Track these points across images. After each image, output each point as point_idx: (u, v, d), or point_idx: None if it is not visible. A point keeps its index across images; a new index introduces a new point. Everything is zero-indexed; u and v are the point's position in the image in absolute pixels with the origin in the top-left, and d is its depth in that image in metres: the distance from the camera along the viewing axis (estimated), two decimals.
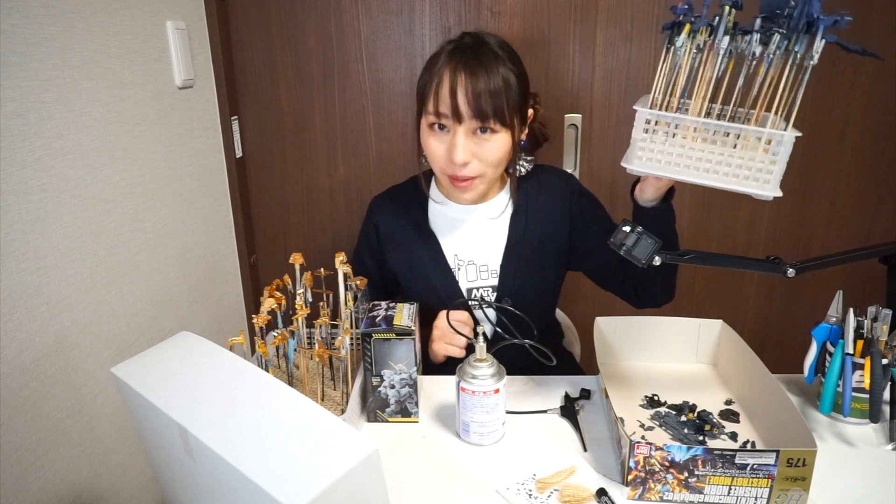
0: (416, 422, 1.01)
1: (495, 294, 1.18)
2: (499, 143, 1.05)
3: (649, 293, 1.15)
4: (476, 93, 1.01)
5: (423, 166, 1.19)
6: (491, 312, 1.17)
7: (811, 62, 0.79)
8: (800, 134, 0.82)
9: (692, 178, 0.86)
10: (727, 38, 0.83)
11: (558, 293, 1.28)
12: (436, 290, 1.18)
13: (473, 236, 1.19)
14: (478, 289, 1.19)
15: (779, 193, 0.84)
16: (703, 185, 0.86)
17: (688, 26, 0.84)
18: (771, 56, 0.82)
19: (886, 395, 0.96)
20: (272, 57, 1.62)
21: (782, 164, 0.83)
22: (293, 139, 1.68)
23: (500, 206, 1.19)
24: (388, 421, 1.00)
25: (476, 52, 1.04)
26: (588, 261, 1.21)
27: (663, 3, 1.56)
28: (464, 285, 1.18)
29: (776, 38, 0.80)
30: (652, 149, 0.87)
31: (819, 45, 0.78)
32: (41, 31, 0.94)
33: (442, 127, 1.06)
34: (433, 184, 1.23)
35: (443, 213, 1.21)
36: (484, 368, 0.91)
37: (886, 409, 0.97)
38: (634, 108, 0.87)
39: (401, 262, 1.22)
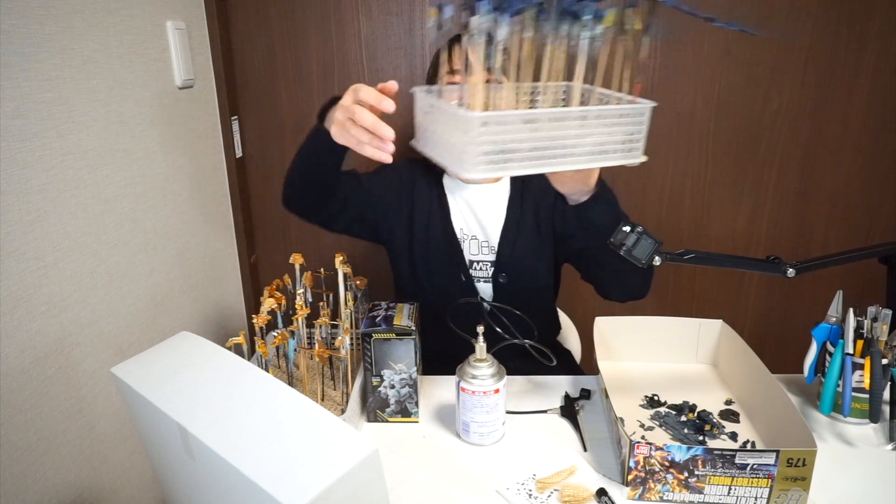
0: (416, 422, 1.01)
1: (493, 269, 1.22)
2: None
3: (605, 287, 1.14)
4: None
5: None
6: (488, 302, 1.19)
7: (587, 38, 0.75)
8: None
9: (534, 169, 0.78)
10: (487, 18, 0.72)
11: (556, 281, 1.29)
12: (444, 256, 1.22)
13: (478, 213, 1.24)
14: (478, 262, 1.23)
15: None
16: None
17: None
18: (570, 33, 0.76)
19: (886, 395, 0.96)
20: (272, 57, 1.62)
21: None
22: (293, 139, 1.67)
23: (505, 183, 1.25)
24: (388, 421, 1.00)
25: None
26: (561, 246, 1.24)
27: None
28: (466, 257, 1.24)
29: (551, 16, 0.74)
30: (487, 150, 0.74)
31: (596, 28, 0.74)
32: (41, 31, 0.94)
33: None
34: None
35: (454, 190, 1.26)
36: (484, 368, 0.91)
37: (886, 409, 0.97)
38: (459, 115, 0.73)
39: (415, 223, 1.25)
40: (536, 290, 1.26)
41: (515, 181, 1.24)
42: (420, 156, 1.15)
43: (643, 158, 0.84)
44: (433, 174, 1.28)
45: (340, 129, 0.87)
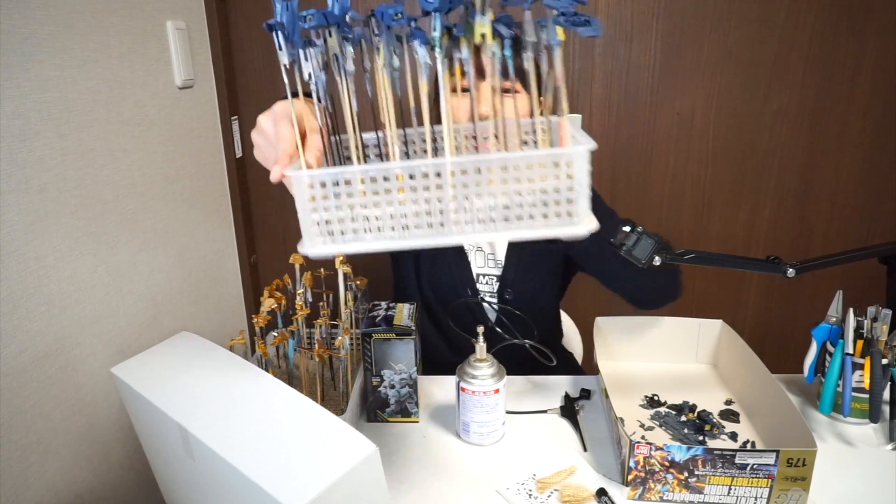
0: (416, 422, 1.01)
1: (499, 284, 1.20)
2: (520, 101, 1.04)
3: (645, 295, 1.13)
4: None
5: None
6: (492, 309, 1.18)
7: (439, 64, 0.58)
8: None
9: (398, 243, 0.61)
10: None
11: (562, 291, 1.29)
12: (449, 268, 1.21)
13: None
14: (484, 275, 1.21)
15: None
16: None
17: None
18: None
19: (886, 395, 0.96)
20: (272, 57, 1.62)
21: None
22: None
23: None
24: (388, 421, 1.00)
25: None
26: (587, 263, 1.20)
27: (663, 4, 1.56)
28: (473, 270, 1.21)
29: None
30: (324, 219, 0.60)
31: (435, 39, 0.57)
32: (41, 31, 0.94)
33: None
34: None
35: None
36: (484, 368, 0.91)
37: (886, 409, 0.97)
38: (286, 173, 0.59)
39: None
40: (543, 306, 1.25)
41: None
42: None
43: (589, 227, 0.59)
44: None
45: (257, 151, 0.70)
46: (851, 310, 0.96)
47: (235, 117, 1.62)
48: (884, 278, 1.00)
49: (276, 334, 0.97)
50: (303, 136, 0.63)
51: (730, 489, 0.80)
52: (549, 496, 0.83)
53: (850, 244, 1.63)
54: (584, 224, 0.59)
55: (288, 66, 0.57)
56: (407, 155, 0.65)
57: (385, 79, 0.59)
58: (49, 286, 0.95)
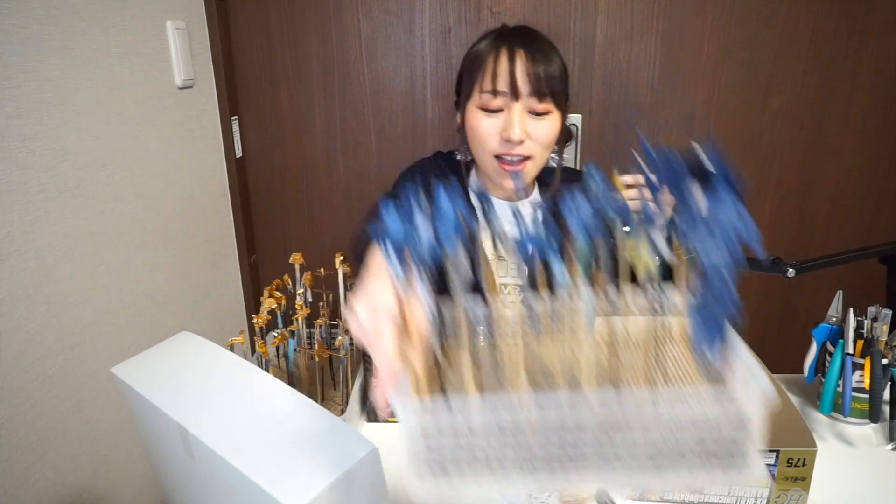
0: None
1: (522, 295, 1.17)
2: (552, 123, 1.04)
3: None
4: (535, 70, 1.01)
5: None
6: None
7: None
8: None
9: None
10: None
11: None
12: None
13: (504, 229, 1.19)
14: (505, 286, 1.19)
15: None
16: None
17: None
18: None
19: (886, 395, 0.96)
20: (272, 57, 1.62)
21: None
22: (293, 139, 1.68)
23: (536, 202, 1.18)
24: (388, 421, 1.00)
25: (530, 36, 1.07)
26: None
27: (663, 4, 1.56)
28: (496, 280, 1.17)
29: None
30: (448, 451, 0.49)
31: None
32: (41, 31, 0.94)
33: (490, 110, 1.04)
34: (471, 179, 1.19)
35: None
36: None
37: (886, 409, 0.97)
38: (391, 400, 0.50)
39: None
40: None
41: (547, 199, 1.14)
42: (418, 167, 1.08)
43: (758, 473, 0.50)
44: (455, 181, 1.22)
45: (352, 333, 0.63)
46: (851, 310, 0.96)
47: (235, 117, 1.62)
48: (884, 278, 1.00)
49: (276, 334, 0.97)
50: (403, 320, 0.57)
51: (730, 489, 0.80)
52: (549, 496, 0.83)
53: (850, 244, 1.63)
54: (752, 469, 0.50)
55: (400, 280, 0.52)
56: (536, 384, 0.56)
57: (515, 296, 0.55)
58: (49, 286, 0.95)
